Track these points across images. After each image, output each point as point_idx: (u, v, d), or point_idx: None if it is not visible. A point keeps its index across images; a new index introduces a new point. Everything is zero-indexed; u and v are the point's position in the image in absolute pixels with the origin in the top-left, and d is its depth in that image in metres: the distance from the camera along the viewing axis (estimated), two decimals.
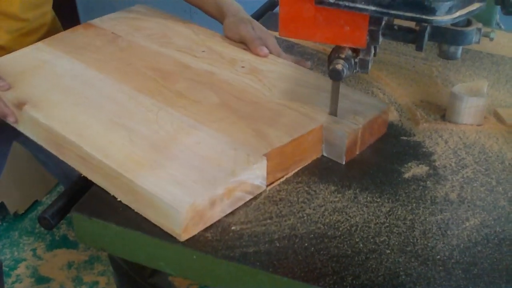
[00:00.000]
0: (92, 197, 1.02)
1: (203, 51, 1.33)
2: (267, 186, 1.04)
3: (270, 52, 1.30)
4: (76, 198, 1.03)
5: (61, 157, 1.11)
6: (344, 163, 1.09)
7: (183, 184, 0.95)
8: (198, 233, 0.94)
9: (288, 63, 1.28)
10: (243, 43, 1.34)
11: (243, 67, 1.27)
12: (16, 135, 1.53)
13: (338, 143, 1.08)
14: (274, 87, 1.19)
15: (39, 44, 1.36)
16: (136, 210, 0.98)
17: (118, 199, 1.00)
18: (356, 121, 1.09)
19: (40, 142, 1.15)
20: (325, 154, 1.12)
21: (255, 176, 1.00)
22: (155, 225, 0.95)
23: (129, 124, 1.09)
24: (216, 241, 0.93)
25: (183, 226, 0.91)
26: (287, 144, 1.04)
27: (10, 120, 1.17)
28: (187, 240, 0.93)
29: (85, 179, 1.05)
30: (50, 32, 1.48)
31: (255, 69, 1.26)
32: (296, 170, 1.08)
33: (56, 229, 2.50)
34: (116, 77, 1.23)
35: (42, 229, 2.03)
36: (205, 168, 0.98)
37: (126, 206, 0.99)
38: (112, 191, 1.01)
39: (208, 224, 0.95)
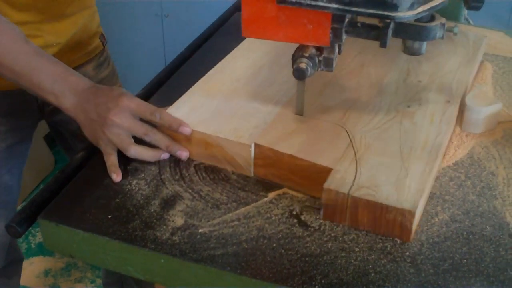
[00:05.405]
0: (59, 204, 1.01)
1: None
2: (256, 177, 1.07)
3: None
4: (44, 206, 1.01)
5: None
6: (321, 218, 0.98)
7: (199, 113, 1.12)
8: (166, 236, 0.93)
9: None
10: None
11: (419, 81, 1.23)
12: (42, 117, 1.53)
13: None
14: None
15: None
16: None
17: None
18: (354, 190, 0.94)
19: None
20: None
21: (238, 154, 1.05)
22: (122, 230, 0.95)
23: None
24: (183, 244, 0.92)
25: None
26: (280, 153, 1.02)
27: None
28: (154, 244, 0.92)
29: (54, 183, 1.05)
30: None
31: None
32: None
33: (32, 237, 2.49)
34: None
35: None
36: (227, 122, 1.09)
37: (94, 212, 0.98)
38: None
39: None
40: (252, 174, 1.06)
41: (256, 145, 1.03)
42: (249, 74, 1.23)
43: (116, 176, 1.05)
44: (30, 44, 1.14)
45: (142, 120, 1.09)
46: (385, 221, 0.93)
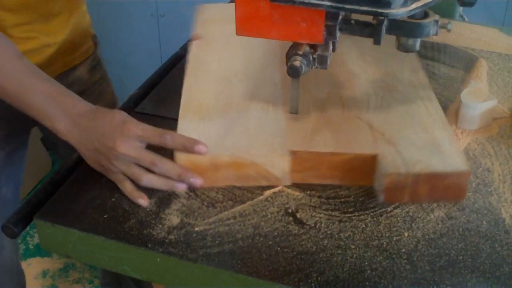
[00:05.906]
0: (54, 204, 1.01)
1: None
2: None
3: None
4: (40, 206, 1.01)
5: None
6: (381, 201, 1.00)
7: (211, 136, 1.04)
8: (162, 235, 0.93)
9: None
10: None
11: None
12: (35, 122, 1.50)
13: (380, 179, 1.00)
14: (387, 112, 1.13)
15: None
16: None
17: None
18: (411, 167, 0.97)
19: None
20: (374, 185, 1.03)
21: (274, 166, 1.02)
22: (118, 230, 0.95)
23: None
24: (179, 243, 0.92)
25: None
26: (320, 153, 1.01)
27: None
28: (150, 243, 0.92)
29: (50, 184, 1.04)
30: None
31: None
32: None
33: (30, 238, 2.49)
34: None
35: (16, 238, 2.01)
36: (247, 137, 1.05)
37: (90, 212, 0.98)
38: None
39: (213, 185, 1.03)
40: (289, 183, 1.03)
41: (292, 152, 1.01)
42: (232, 84, 1.20)
43: (144, 200, 1.00)
44: (25, 61, 1.09)
45: (149, 146, 1.03)
46: (442, 187, 0.98)
